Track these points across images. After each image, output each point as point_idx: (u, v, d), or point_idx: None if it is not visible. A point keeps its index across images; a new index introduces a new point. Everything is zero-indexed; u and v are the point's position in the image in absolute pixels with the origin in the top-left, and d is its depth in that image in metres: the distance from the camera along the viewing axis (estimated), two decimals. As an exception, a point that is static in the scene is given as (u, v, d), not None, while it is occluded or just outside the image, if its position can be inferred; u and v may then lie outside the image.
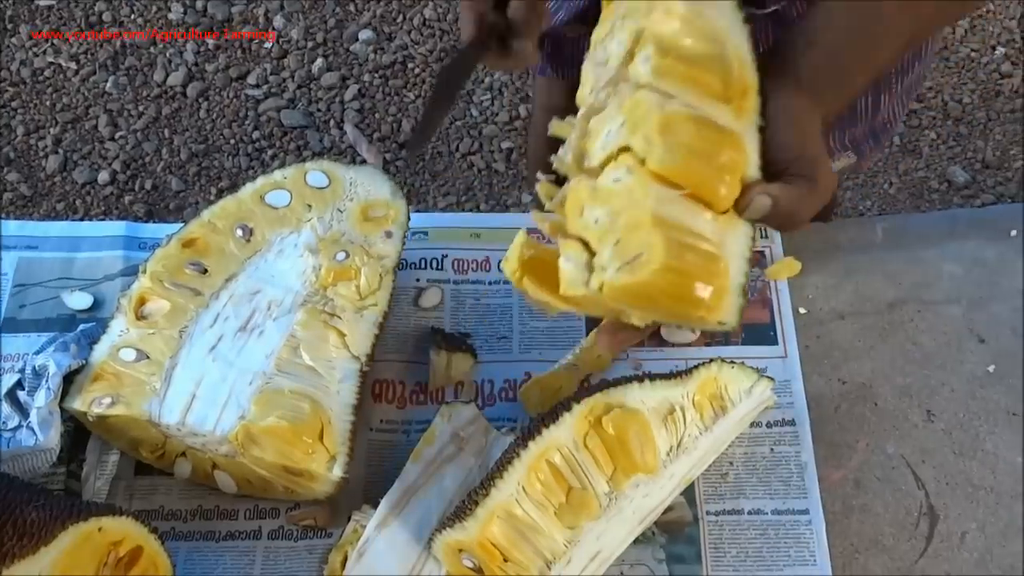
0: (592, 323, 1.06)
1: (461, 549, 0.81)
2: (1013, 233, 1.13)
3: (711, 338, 1.06)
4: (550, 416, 0.86)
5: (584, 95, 0.76)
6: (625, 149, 0.69)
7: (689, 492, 0.96)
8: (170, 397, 0.90)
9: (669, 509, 0.94)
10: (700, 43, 0.71)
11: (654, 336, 1.06)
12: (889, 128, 1.29)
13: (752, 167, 0.72)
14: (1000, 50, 2.45)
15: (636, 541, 0.93)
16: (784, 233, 1.12)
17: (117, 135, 2.39)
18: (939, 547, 0.96)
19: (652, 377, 0.93)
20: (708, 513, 0.96)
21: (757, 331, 1.07)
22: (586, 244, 0.69)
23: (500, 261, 1.10)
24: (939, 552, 0.95)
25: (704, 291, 0.68)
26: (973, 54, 2.46)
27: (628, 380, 0.92)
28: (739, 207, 0.72)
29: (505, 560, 0.81)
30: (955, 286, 1.10)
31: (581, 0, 1.24)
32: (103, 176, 2.32)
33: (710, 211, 0.70)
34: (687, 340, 1.06)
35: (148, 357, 0.92)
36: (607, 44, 0.74)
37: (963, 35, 2.49)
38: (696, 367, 0.96)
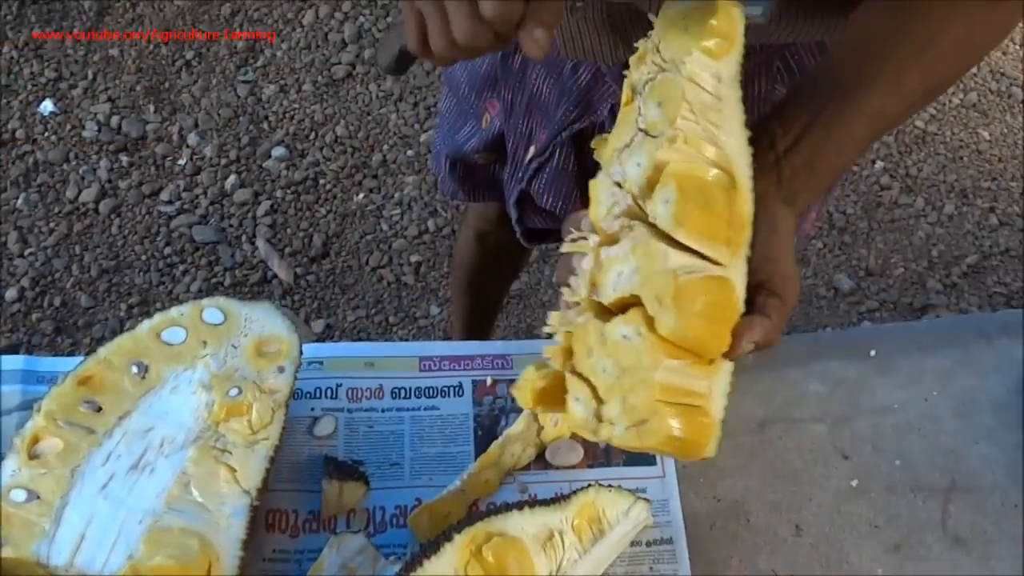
0: (480, 447, 1.11)
1: None
2: (872, 353, 1.21)
3: (594, 459, 1.12)
4: (432, 546, 0.90)
5: (598, 216, 0.77)
6: (635, 297, 0.72)
7: (572, 613, 1.00)
8: (59, 538, 0.91)
9: (552, 633, 0.98)
10: (717, 185, 0.74)
11: (539, 459, 1.11)
12: (810, 209, 1.36)
13: (741, 304, 0.76)
14: (879, 164, 2.60)
15: (520, 665, 0.96)
16: None
17: (27, 252, 2.40)
18: (808, 659, 1.01)
19: (532, 504, 0.97)
20: (590, 633, 1.00)
21: (637, 454, 1.12)
22: (593, 388, 0.73)
23: (393, 389, 1.15)
24: (807, 663, 1.00)
25: (696, 448, 0.76)
26: (855, 168, 2.61)
27: (509, 508, 0.96)
28: (731, 354, 0.77)
29: None
30: (820, 404, 1.17)
31: (492, 129, 1.32)
32: (11, 293, 2.33)
33: (703, 365, 0.75)
34: (571, 463, 1.11)
35: (39, 497, 0.94)
36: (624, 162, 0.74)
37: (847, 149, 2.64)
38: (575, 492, 1.01)
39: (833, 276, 2.42)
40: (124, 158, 2.58)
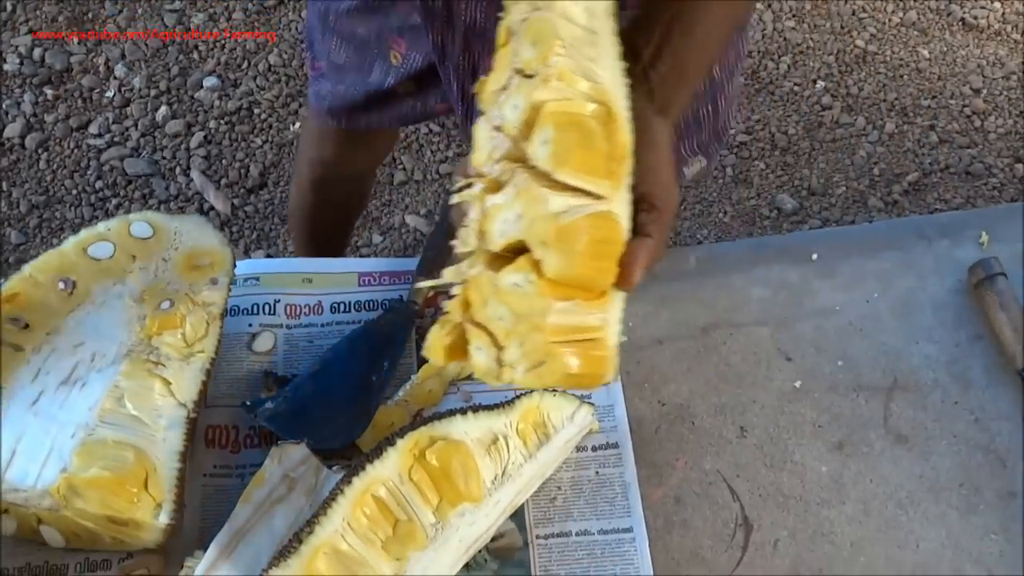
0: (424, 359, 1.09)
1: (287, 587, 0.83)
2: (814, 256, 1.21)
3: (538, 368, 1.11)
4: (375, 452, 0.89)
5: (479, 161, 0.77)
6: (523, 243, 0.72)
7: (519, 517, 1.00)
8: (-11, 454, 0.89)
9: (500, 536, 0.98)
10: (594, 120, 0.73)
11: (483, 369, 1.10)
12: (727, 128, 1.37)
13: (626, 234, 0.76)
14: (820, 83, 2.60)
15: (467, 567, 0.96)
16: None
17: (-48, 187, 2.32)
18: (754, 555, 1.01)
19: (476, 409, 0.96)
20: (538, 537, 1.00)
21: (581, 359, 1.12)
22: (492, 335, 0.73)
23: (332, 304, 1.13)
24: (754, 560, 1.01)
25: (596, 379, 0.76)
26: (796, 88, 2.61)
27: (452, 413, 0.95)
28: (621, 286, 0.77)
29: (331, 595, 0.83)
30: (763, 308, 1.17)
31: (412, 63, 1.29)
32: (-64, 231, 2.25)
33: (594, 300, 0.75)
34: (515, 371, 1.10)
35: (-34, 415, 0.91)
36: (503, 106, 0.74)
37: (786, 70, 2.64)
38: (518, 397, 1.00)
39: (776, 196, 2.43)
40: (49, 91, 2.50)
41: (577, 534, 1.00)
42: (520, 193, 0.72)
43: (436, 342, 0.76)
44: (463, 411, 0.95)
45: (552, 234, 0.70)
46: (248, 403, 1.03)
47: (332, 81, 1.40)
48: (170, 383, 0.94)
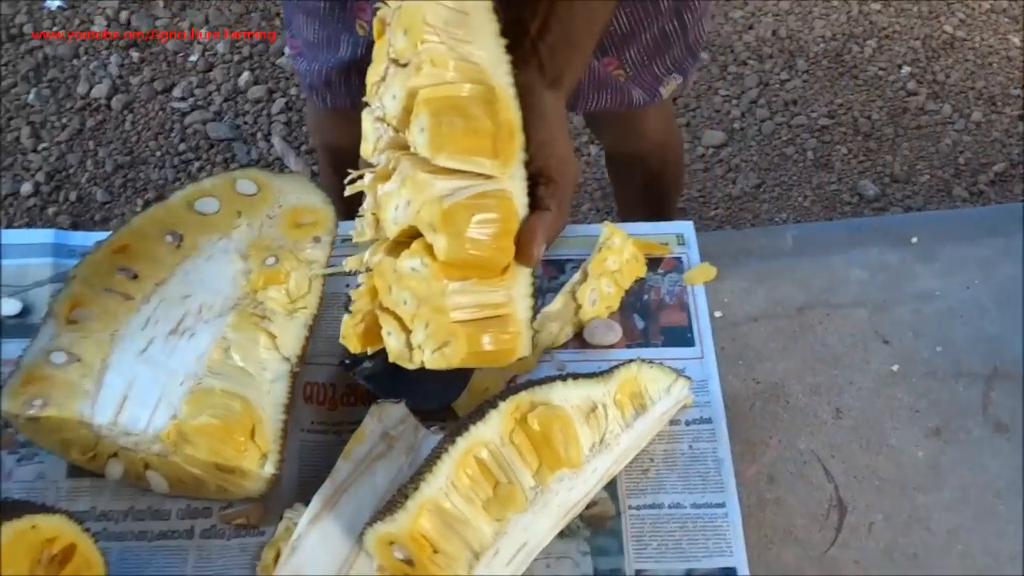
0: (518, 326, 1.09)
1: (392, 542, 0.84)
2: (914, 240, 1.19)
3: (632, 340, 1.10)
4: (477, 414, 0.89)
5: (367, 152, 0.78)
6: (415, 228, 0.75)
7: (612, 487, 1.00)
8: (102, 398, 0.91)
9: (593, 504, 0.98)
10: (472, 100, 0.74)
11: (577, 338, 1.10)
12: (699, 42, 1.35)
13: (522, 208, 0.78)
14: (906, 69, 2.56)
15: (561, 534, 0.96)
16: None
17: (40, 147, 2.37)
18: (847, 537, 1.00)
19: (575, 376, 0.96)
20: (630, 507, 1.00)
21: (675, 333, 1.11)
22: (400, 319, 0.76)
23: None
24: (848, 542, 1.00)
25: (506, 355, 0.79)
26: (881, 72, 2.56)
27: (552, 379, 0.95)
28: (521, 261, 0.78)
29: (435, 552, 0.84)
30: (860, 290, 1.15)
31: None
32: (26, 188, 2.30)
33: (495, 277, 0.77)
34: (609, 342, 1.10)
35: (79, 360, 0.93)
36: (383, 96, 0.76)
37: (871, 54, 2.59)
38: (617, 367, 1.00)
39: (857, 182, 2.39)
40: (135, 54, 2.54)
41: (670, 506, 1.00)
42: (406, 180, 0.73)
43: (349, 330, 0.77)
44: (563, 378, 0.95)
45: (438, 217, 0.71)
46: (347, 361, 1.04)
47: (308, 59, 1.38)
48: (275, 337, 0.96)
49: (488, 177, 0.75)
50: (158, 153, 2.38)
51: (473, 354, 0.76)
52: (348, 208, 1.71)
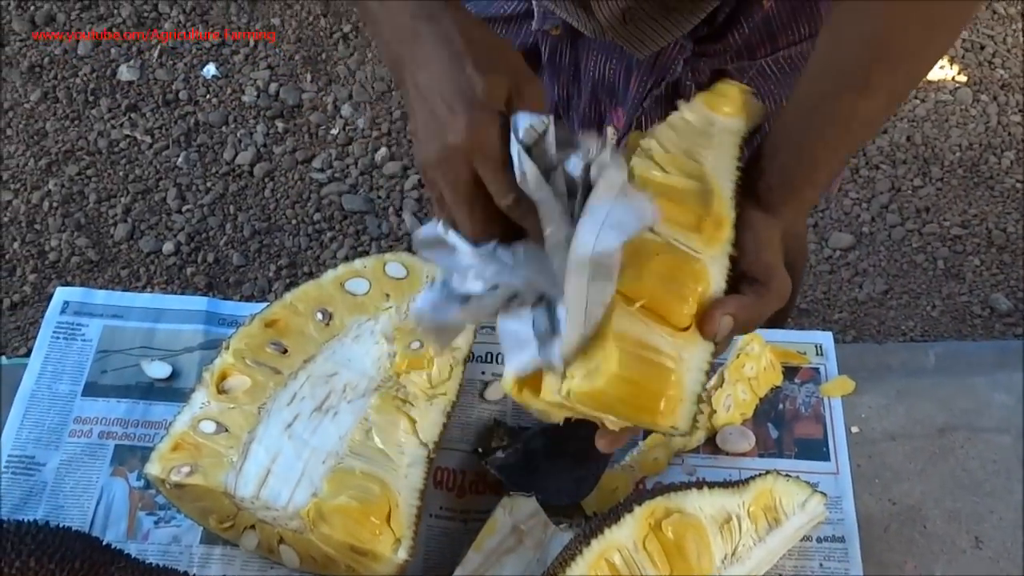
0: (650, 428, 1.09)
1: (521, 641, 0.84)
2: None
3: (765, 449, 1.09)
4: (611, 516, 0.89)
5: None
6: None
7: (739, 601, 0.98)
8: (246, 470, 0.93)
9: (719, 617, 0.96)
10: (684, 186, 0.81)
11: (709, 443, 1.09)
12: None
13: (716, 288, 0.79)
14: (1048, 183, 2.49)
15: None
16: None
17: (184, 208, 2.48)
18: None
19: (711, 485, 0.96)
20: (757, 623, 0.98)
21: (810, 446, 1.10)
22: None
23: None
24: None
25: (655, 400, 0.75)
26: (1018, 184, 2.50)
27: (687, 486, 0.95)
28: (702, 328, 0.78)
29: (564, 653, 0.84)
30: (1005, 415, 1.12)
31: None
32: (168, 247, 2.40)
33: (669, 327, 0.77)
34: (741, 450, 1.08)
35: (227, 430, 0.96)
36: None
37: (1008, 166, 2.54)
38: (753, 478, 0.99)
39: (990, 295, 2.33)
40: (280, 124, 2.64)
41: (798, 626, 0.98)
42: None
43: (512, 380, 0.77)
44: (698, 486, 0.95)
45: (630, 247, 0.72)
46: (480, 450, 1.05)
47: None
48: (415, 421, 0.98)
49: (689, 248, 0.79)
50: (293, 221, 2.46)
51: (622, 381, 0.72)
52: None
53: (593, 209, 0.70)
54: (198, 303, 1.20)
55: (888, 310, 2.33)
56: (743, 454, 1.08)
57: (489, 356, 1.16)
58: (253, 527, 0.95)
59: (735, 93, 0.86)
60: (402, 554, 0.91)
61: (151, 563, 0.90)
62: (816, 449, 1.10)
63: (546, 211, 0.71)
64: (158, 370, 1.13)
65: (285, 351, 1.02)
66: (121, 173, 2.53)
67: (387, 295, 1.07)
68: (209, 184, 2.52)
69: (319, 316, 1.05)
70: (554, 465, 1.03)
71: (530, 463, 1.03)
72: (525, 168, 0.70)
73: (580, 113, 1.22)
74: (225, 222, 2.46)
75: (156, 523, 1.03)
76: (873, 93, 0.80)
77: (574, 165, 0.71)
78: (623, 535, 0.88)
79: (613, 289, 0.72)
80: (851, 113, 0.81)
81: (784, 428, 1.11)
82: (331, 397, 0.99)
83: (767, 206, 0.84)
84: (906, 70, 0.81)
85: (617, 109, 1.17)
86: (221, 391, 0.99)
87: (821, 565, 1.01)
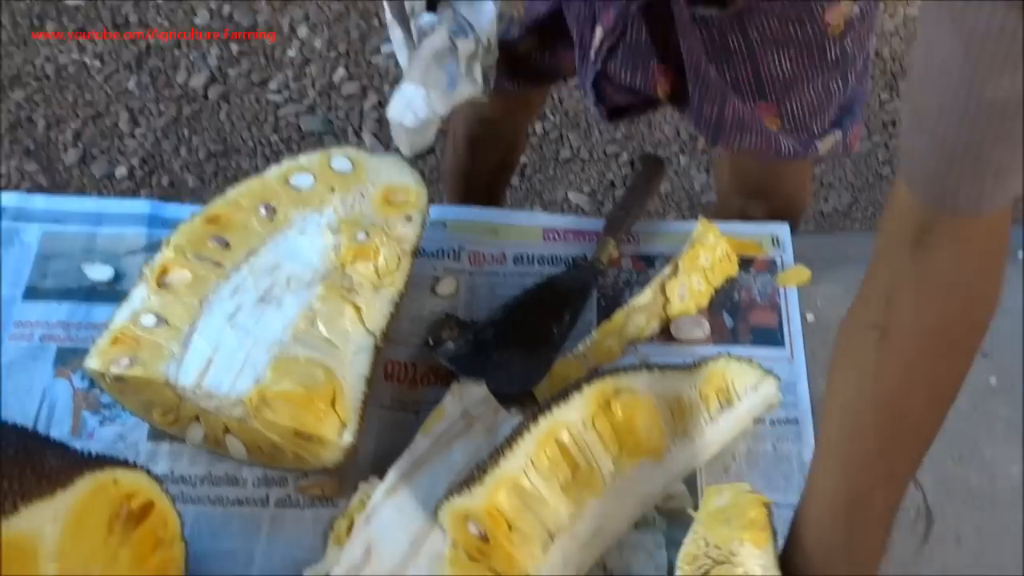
0: (603, 317, 1.08)
1: (467, 516, 0.83)
2: (1019, 255, 1.15)
3: (720, 338, 1.08)
4: (560, 396, 0.88)
5: None
6: None
7: (691, 482, 0.98)
8: (187, 360, 0.92)
9: (671, 497, 0.96)
10: None
11: (663, 333, 1.08)
12: (861, 97, 1.31)
13: None
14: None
15: (637, 526, 0.94)
16: None
17: (137, 132, 2.43)
18: (934, 547, 0.97)
19: (662, 367, 0.95)
20: (709, 504, 0.97)
21: (765, 334, 1.09)
22: None
23: (516, 255, 1.13)
24: (933, 552, 0.97)
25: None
26: None
27: (638, 368, 0.94)
28: None
29: (510, 529, 0.83)
30: (960, 299, 1.11)
31: (534, 13, 1.26)
32: (120, 171, 2.36)
33: None
34: (696, 338, 1.07)
35: (168, 323, 0.94)
36: None
37: None
38: (705, 360, 0.98)
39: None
40: (234, 47, 2.58)
41: (751, 506, 0.97)
42: None
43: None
44: (648, 367, 0.94)
45: None
46: (430, 341, 1.04)
47: None
48: (361, 310, 0.96)
49: None
50: (250, 143, 2.42)
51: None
52: (466, 189, 1.72)
53: None
54: (140, 206, 1.17)
55: (853, 222, 2.32)
56: (697, 342, 1.07)
57: (440, 252, 1.14)
58: (197, 419, 0.94)
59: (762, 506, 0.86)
60: (347, 437, 0.89)
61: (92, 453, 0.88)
62: (771, 336, 1.09)
63: None
64: (100, 273, 1.11)
65: (227, 245, 1.00)
66: (71, 98, 2.47)
67: (332, 188, 1.04)
68: (162, 108, 2.47)
69: (262, 211, 1.02)
70: (505, 354, 1.02)
71: (480, 353, 1.02)
72: None
73: (576, 9, 1.19)
74: (180, 145, 2.41)
75: (101, 422, 1.01)
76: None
77: None
78: (572, 414, 0.87)
79: None
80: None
81: (739, 317, 1.10)
82: (275, 288, 0.97)
83: None
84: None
85: (608, 10, 1.14)
86: (161, 285, 0.97)
87: (774, 447, 1.01)
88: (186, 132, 2.43)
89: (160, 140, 2.41)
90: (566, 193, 2.36)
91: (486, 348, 1.02)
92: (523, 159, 2.40)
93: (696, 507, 0.96)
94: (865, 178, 2.38)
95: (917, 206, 0.68)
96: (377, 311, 0.97)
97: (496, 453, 0.84)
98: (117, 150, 2.39)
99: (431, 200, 1.07)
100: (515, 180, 2.38)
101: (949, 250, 0.69)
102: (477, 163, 1.69)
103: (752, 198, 1.38)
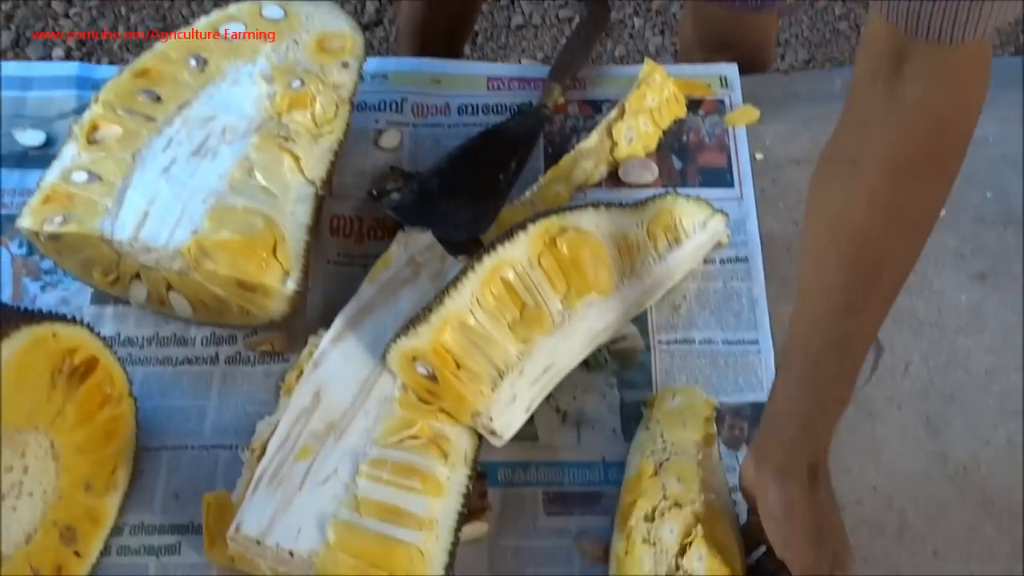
0: (550, 163, 1.06)
1: (415, 357, 0.82)
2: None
3: (668, 180, 1.07)
4: (505, 235, 0.87)
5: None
6: None
7: (642, 323, 0.98)
8: (123, 215, 0.89)
9: (622, 338, 0.96)
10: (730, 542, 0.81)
11: (611, 177, 1.07)
12: None
13: None
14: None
15: (589, 367, 0.95)
16: None
17: (71, 12, 2.34)
18: (883, 376, 0.98)
19: (608, 204, 0.94)
20: (660, 342, 0.98)
21: (714, 174, 1.08)
22: None
23: (460, 106, 1.11)
24: (883, 381, 0.98)
25: None
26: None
27: (583, 206, 0.93)
28: None
29: (458, 367, 0.83)
30: (909, 133, 1.10)
31: None
32: (57, 52, 2.28)
33: None
34: (645, 181, 1.06)
35: (100, 179, 0.91)
36: (659, 529, 0.81)
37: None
38: (652, 198, 0.97)
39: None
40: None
41: (700, 342, 0.98)
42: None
43: None
44: (595, 205, 0.93)
45: None
46: (374, 192, 1.02)
47: None
48: (299, 158, 0.93)
49: None
50: (191, 20, 2.34)
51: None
52: (422, 44, 1.67)
53: None
54: (68, 68, 1.13)
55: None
56: (646, 185, 1.06)
57: (383, 104, 1.11)
58: (139, 277, 0.92)
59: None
60: (291, 285, 0.88)
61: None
62: (720, 177, 1.08)
63: None
64: (31, 138, 1.07)
65: (158, 99, 0.97)
66: (0, -22, 2.37)
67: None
68: (96, -15, 2.38)
69: (192, 63, 0.99)
70: (451, 202, 1.00)
71: (426, 202, 1.00)
72: None
73: None
74: (117, 24, 2.33)
75: (43, 288, 0.99)
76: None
77: None
78: (517, 252, 0.86)
79: None
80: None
81: (688, 158, 1.09)
82: (209, 140, 0.94)
83: (775, 470, 0.78)
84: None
85: None
86: (92, 142, 0.94)
87: (725, 285, 1.01)
88: (123, 10, 2.35)
89: (96, 19, 2.33)
90: (519, 60, 2.31)
91: (432, 197, 1.01)
92: (475, 27, 2.34)
93: (648, 347, 0.97)
94: (822, 34, 2.34)
95: (892, 34, 0.66)
96: (316, 159, 0.94)
97: (442, 293, 0.83)
98: (52, 31, 2.31)
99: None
100: (467, 49, 2.33)
101: (924, 81, 0.67)
102: (435, 11, 1.63)
103: (716, 51, 1.35)
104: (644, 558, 0.80)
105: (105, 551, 0.87)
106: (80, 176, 0.91)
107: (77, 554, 0.84)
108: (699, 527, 0.80)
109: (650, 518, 0.82)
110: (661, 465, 0.85)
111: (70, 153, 0.94)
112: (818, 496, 0.77)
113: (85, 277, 0.95)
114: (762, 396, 0.95)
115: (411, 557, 0.78)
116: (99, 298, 0.98)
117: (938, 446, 0.95)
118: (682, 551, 0.79)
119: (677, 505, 0.81)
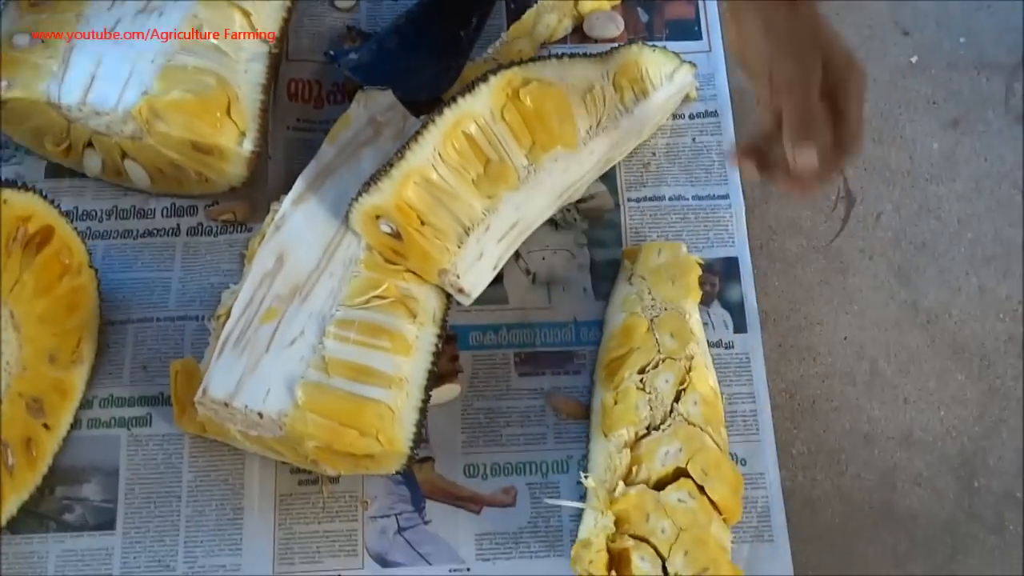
0: (512, 19, 1.03)
1: (378, 215, 0.81)
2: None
3: (635, 33, 1.04)
4: (467, 88, 0.84)
5: (639, 420, 0.84)
6: (682, 471, 0.82)
7: (611, 181, 0.96)
8: (69, 78, 0.86)
9: (591, 197, 0.95)
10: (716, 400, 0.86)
11: (576, 32, 1.04)
12: None
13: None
14: None
15: (558, 227, 0.93)
16: None
17: None
18: (855, 227, 0.97)
19: (571, 55, 0.91)
20: (629, 200, 0.96)
21: (682, 27, 1.05)
22: (654, 547, 0.80)
23: None
24: (855, 231, 0.97)
25: None
26: None
27: (546, 57, 0.90)
28: None
29: (422, 224, 0.81)
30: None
31: None
32: None
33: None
34: (611, 35, 1.03)
35: (43, 41, 0.88)
36: (654, 379, 0.84)
37: None
38: (616, 48, 0.94)
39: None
40: None
41: (671, 198, 0.97)
42: (679, 431, 0.83)
43: (597, 559, 0.79)
44: (558, 56, 0.90)
45: (712, 464, 0.81)
46: (332, 53, 0.98)
47: None
48: (250, 14, 0.90)
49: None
50: None
51: None
52: None
53: None
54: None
55: None
56: (612, 40, 1.03)
57: (338, -38, 1.07)
58: (91, 145, 0.89)
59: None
60: (247, 146, 0.86)
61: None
62: (688, 29, 1.05)
63: None
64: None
65: (101, -41, 0.92)
66: None
67: None
68: None
69: (137, -82, 0.94)
70: (412, 60, 0.97)
71: (386, 61, 0.97)
72: None
73: None
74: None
75: (-5, 163, 0.96)
76: None
77: None
78: (479, 105, 0.84)
79: None
80: None
81: (654, 10, 1.05)
82: (155, -5, 0.90)
83: None
84: None
85: None
86: (33, 4, 0.90)
87: (694, 140, 0.99)
88: None
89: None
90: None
91: (391, 56, 0.97)
92: None
93: (617, 204, 0.96)
94: None
95: None
96: (268, 16, 0.91)
97: (403, 147, 0.81)
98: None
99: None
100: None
101: None
102: None
103: None
104: (640, 404, 0.83)
105: (76, 424, 0.87)
106: (22, 40, 0.88)
107: (46, 426, 0.84)
108: (691, 375, 0.83)
109: (643, 371, 0.84)
110: (652, 321, 0.86)
111: (11, 17, 0.90)
112: (798, 8, 0.72)
113: (37, 148, 0.92)
114: (733, 251, 0.94)
115: (381, 414, 0.77)
116: (54, 171, 0.95)
117: (909, 295, 0.95)
118: (676, 398, 0.83)
119: (671, 358, 0.84)
